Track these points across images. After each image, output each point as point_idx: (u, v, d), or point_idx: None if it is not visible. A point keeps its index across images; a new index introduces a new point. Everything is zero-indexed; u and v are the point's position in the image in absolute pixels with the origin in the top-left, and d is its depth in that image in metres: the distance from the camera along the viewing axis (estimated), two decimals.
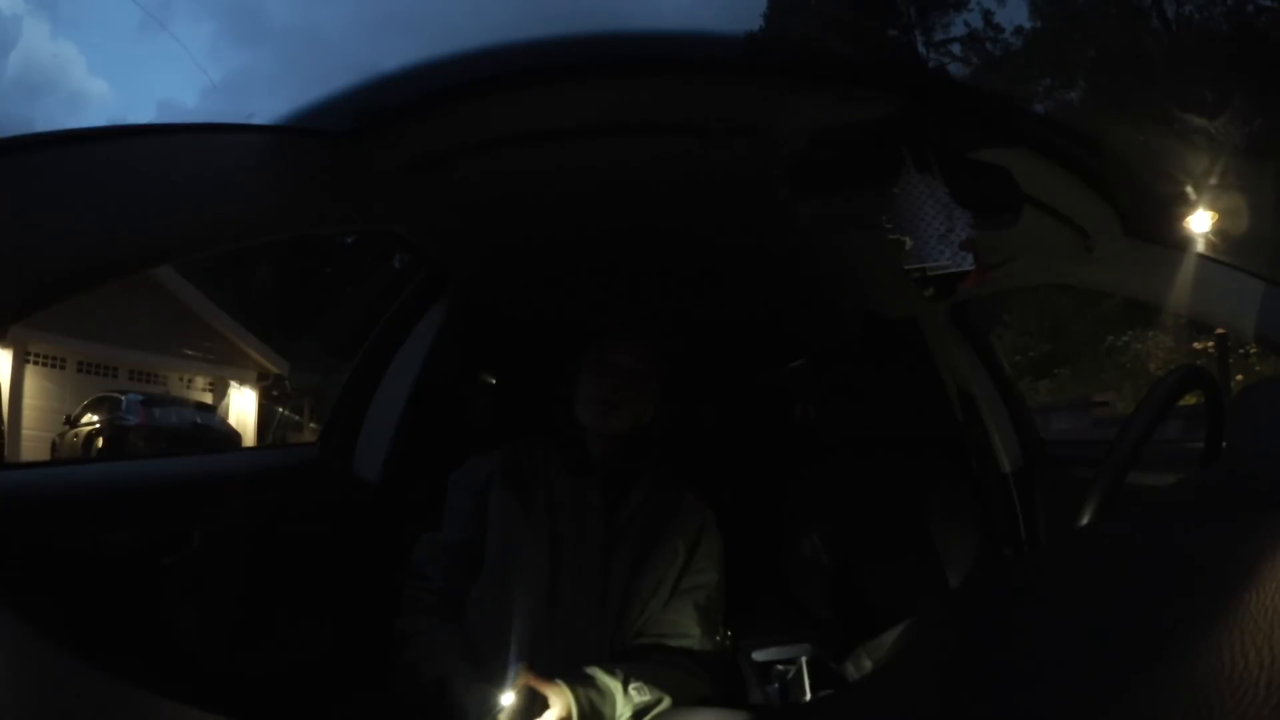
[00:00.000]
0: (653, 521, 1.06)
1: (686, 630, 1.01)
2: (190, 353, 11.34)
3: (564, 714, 0.85)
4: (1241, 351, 7.25)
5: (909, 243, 0.98)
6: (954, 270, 0.96)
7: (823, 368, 2.17)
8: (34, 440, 9.10)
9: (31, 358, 9.67)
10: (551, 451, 1.11)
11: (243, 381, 12.18)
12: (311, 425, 11.93)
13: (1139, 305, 8.94)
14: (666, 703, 0.92)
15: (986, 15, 16.00)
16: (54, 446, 9.15)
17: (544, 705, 0.86)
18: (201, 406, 10.73)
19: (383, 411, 1.39)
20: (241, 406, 12.11)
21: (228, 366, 11.96)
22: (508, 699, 0.84)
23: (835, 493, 1.75)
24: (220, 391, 12.02)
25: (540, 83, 0.87)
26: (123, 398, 9.34)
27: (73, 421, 9.27)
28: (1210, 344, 7.76)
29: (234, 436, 10.59)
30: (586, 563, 1.02)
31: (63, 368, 10.14)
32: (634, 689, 0.90)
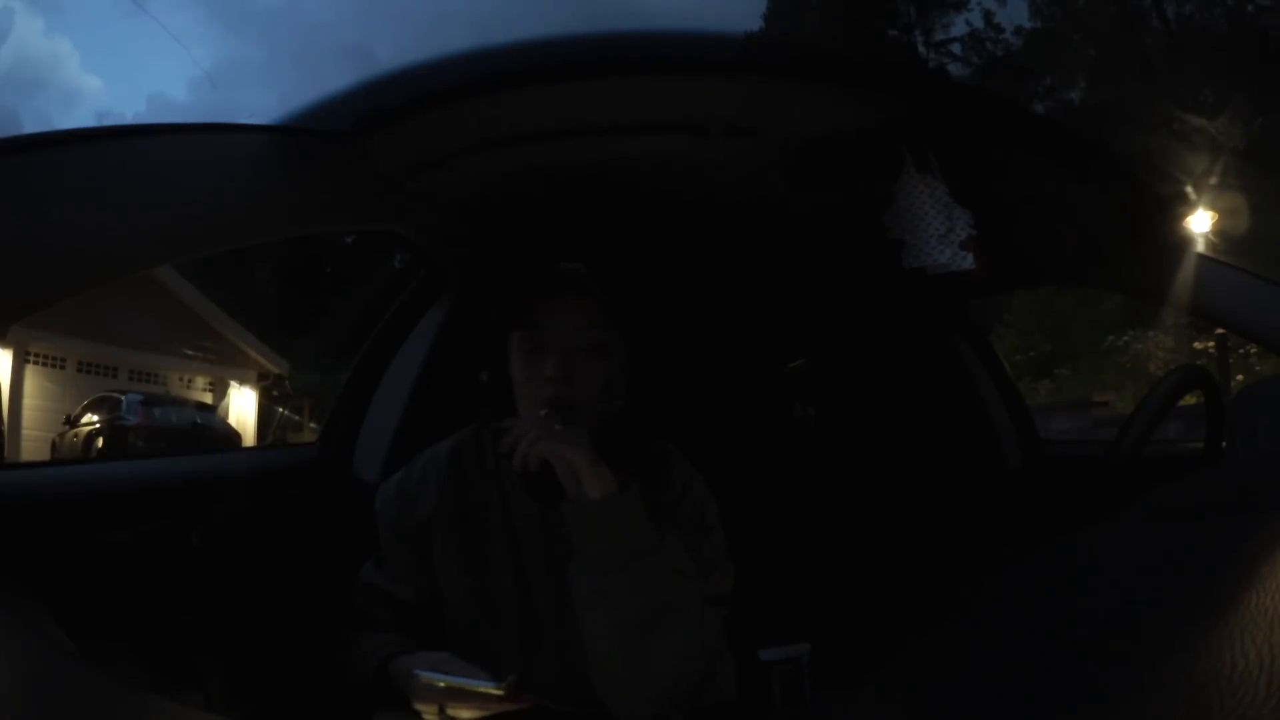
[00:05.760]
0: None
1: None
2: (190, 353, 11.36)
3: None
4: (1241, 351, 7.24)
5: (909, 242, 0.98)
6: (953, 270, 0.96)
7: (823, 367, 2.17)
8: (34, 440, 9.11)
9: (31, 358, 9.68)
10: (506, 463, 0.80)
11: (243, 381, 12.19)
12: (311, 425, 11.94)
13: (1139, 305, 8.95)
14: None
15: (987, 15, 16.06)
16: (54, 446, 9.16)
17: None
18: (201, 406, 10.75)
19: (383, 411, 1.39)
20: (241, 406, 12.12)
21: (228, 366, 11.98)
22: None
23: (835, 492, 1.75)
24: (220, 391, 12.04)
25: (540, 83, 0.87)
26: (123, 398, 9.35)
27: (73, 421, 9.28)
28: (1210, 344, 7.76)
29: (234, 436, 10.61)
30: (567, 612, 0.77)
31: (63, 368, 10.15)
32: None
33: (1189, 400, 0.97)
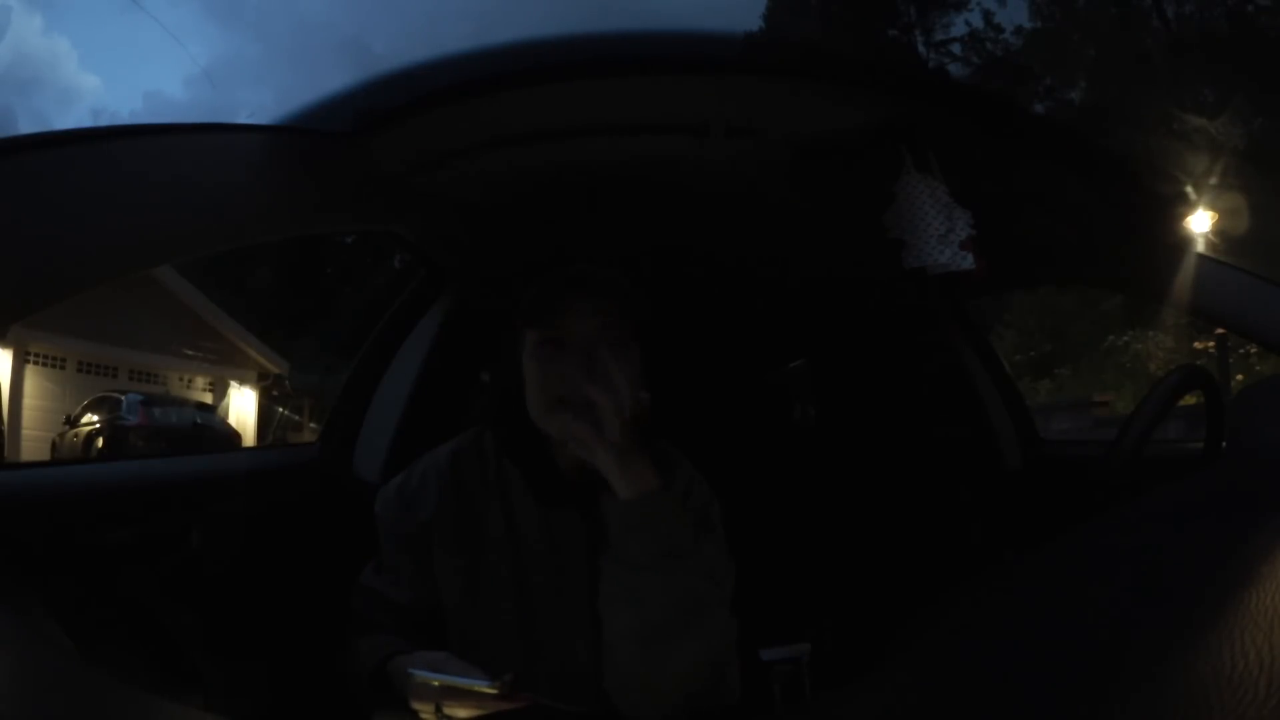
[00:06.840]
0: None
1: None
2: (190, 353, 11.36)
3: None
4: (1241, 351, 7.25)
5: (909, 242, 0.98)
6: (953, 270, 0.96)
7: (823, 367, 2.17)
8: (34, 440, 9.11)
9: (31, 358, 9.68)
10: (508, 467, 0.84)
11: (243, 381, 12.19)
12: (311, 425, 11.94)
13: (1139, 305, 8.96)
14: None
15: (986, 15, 16.07)
16: (54, 446, 9.16)
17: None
18: (201, 406, 10.75)
19: (383, 411, 1.39)
20: (241, 406, 12.12)
21: (228, 366, 11.98)
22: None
23: (835, 492, 1.75)
24: (220, 391, 12.04)
25: (540, 82, 0.87)
26: (123, 398, 9.35)
27: (73, 421, 9.28)
28: (1210, 344, 7.77)
29: (234, 436, 10.61)
30: (569, 616, 0.79)
31: (63, 368, 10.15)
32: None
33: (1189, 400, 0.97)
